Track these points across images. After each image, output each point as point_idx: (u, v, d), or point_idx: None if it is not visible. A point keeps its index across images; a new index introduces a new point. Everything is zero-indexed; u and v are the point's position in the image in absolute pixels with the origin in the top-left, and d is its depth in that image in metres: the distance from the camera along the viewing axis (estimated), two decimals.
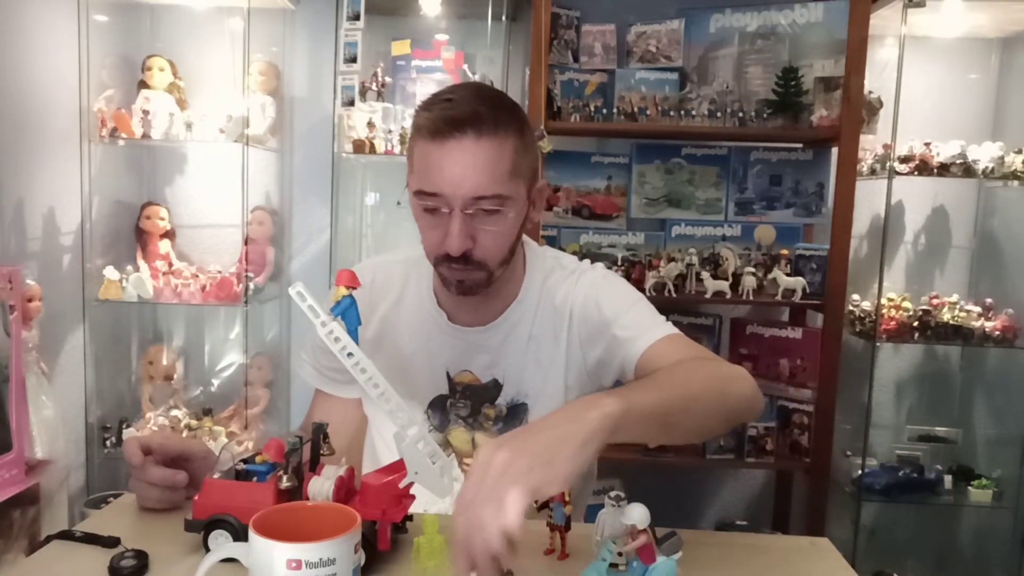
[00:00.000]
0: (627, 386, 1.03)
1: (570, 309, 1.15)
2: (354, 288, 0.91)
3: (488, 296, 1.14)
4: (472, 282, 1.07)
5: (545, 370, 1.16)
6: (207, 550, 0.87)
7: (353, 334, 0.88)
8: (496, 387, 1.17)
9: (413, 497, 0.93)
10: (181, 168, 2.50)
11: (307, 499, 0.87)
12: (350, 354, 0.86)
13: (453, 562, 0.71)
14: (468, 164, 0.99)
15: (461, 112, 1.00)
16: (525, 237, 1.20)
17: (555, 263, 1.21)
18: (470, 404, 1.17)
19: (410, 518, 0.94)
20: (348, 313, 0.89)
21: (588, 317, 1.14)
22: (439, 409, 1.19)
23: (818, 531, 2.11)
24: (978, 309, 2.25)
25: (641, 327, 1.10)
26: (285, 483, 0.88)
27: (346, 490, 0.89)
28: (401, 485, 0.90)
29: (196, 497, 0.89)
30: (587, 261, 1.23)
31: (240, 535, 0.86)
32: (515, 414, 1.17)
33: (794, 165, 2.35)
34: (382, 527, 0.87)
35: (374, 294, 1.20)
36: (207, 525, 0.87)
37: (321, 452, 0.93)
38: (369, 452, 1.30)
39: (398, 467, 0.91)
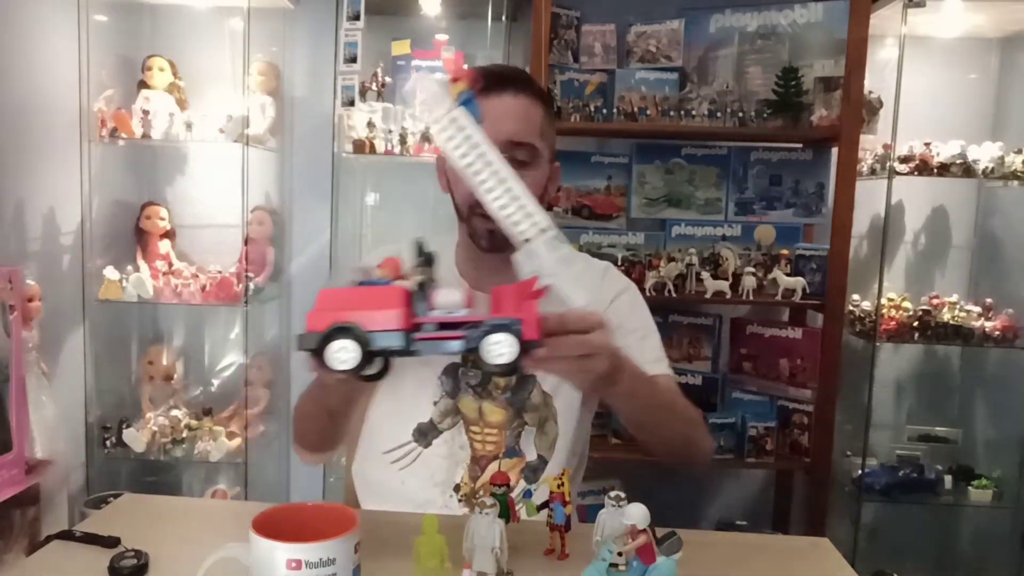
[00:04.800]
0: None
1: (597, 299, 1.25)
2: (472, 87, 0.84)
3: (508, 265, 1.20)
4: (501, 232, 1.13)
5: None
6: (323, 366, 0.78)
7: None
8: None
9: (542, 293, 0.85)
10: (181, 168, 2.50)
11: (432, 309, 0.80)
12: (476, 144, 0.80)
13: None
14: (507, 114, 1.15)
15: (503, 71, 1.20)
16: None
17: (577, 253, 1.35)
18: (480, 373, 1.23)
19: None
20: (469, 106, 0.82)
21: (616, 314, 1.22)
22: (452, 376, 1.25)
23: (818, 531, 2.12)
24: (978, 309, 2.25)
25: (652, 356, 1.26)
26: (414, 285, 0.79)
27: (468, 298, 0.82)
28: (535, 288, 0.83)
29: (310, 312, 0.79)
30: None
31: (366, 344, 0.77)
32: (523, 384, 1.22)
33: (794, 165, 2.34)
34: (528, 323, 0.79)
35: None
36: (324, 338, 0.77)
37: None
38: (367, 437, 1.30)
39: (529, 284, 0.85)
